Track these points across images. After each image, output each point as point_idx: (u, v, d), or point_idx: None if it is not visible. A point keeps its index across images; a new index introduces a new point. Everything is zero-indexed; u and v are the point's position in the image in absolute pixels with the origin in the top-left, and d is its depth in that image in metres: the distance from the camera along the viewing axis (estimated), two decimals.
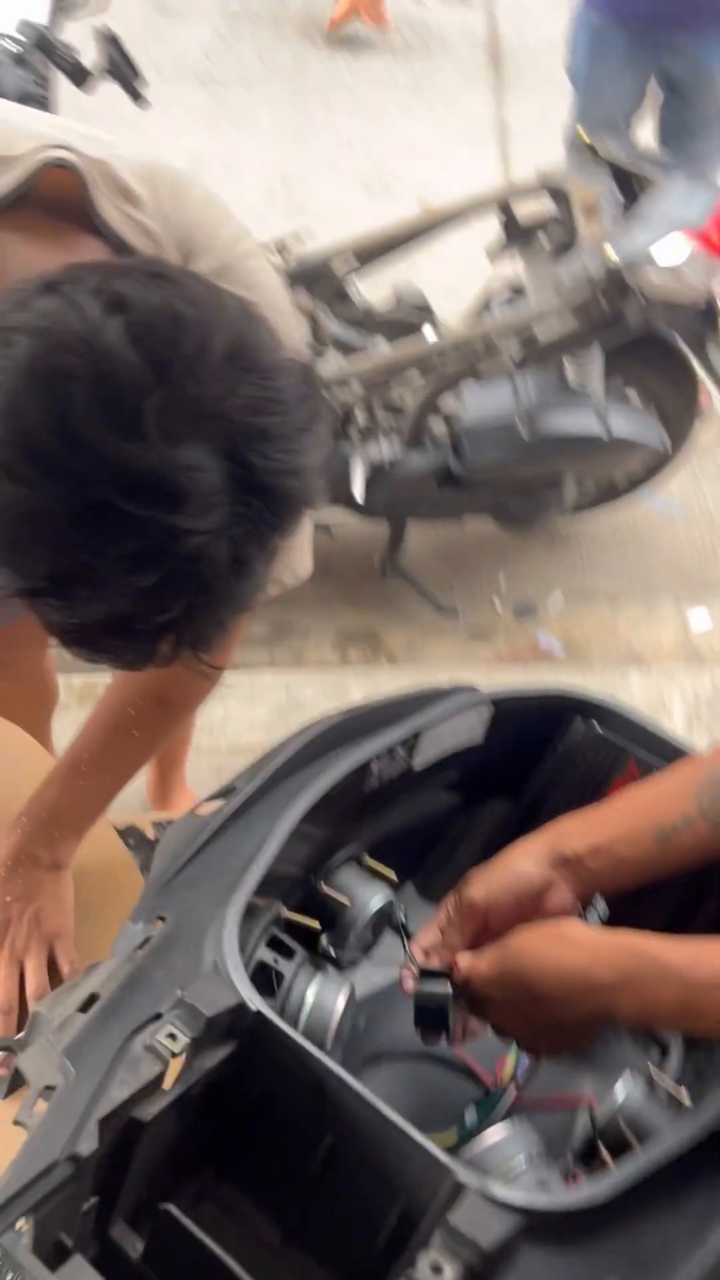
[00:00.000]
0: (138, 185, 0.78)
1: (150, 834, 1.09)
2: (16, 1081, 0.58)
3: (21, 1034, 0.85)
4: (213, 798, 0.80)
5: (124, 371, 0.55)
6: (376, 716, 0.93)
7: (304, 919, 0.79)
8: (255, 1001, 0.61)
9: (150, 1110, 0.54)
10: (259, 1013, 0.60)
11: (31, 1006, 0.93)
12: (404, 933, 0.91)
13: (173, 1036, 0.57)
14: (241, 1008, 0.60)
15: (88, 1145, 0.51)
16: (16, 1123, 0.54)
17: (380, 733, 0.89)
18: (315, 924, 0.83)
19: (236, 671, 2.40)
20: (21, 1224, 0.48)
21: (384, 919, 0.91)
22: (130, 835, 1.08)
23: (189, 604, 0.61)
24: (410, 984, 0.81)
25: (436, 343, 2.09)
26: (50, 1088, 0.55)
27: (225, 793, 0.81)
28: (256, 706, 2.23)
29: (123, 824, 1.09)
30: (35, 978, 0.94)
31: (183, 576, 0.59)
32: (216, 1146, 0.63)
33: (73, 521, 0.57)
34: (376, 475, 2.20)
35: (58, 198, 0.75)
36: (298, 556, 1.03)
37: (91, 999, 0.60)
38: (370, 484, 2.19)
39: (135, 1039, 0.56)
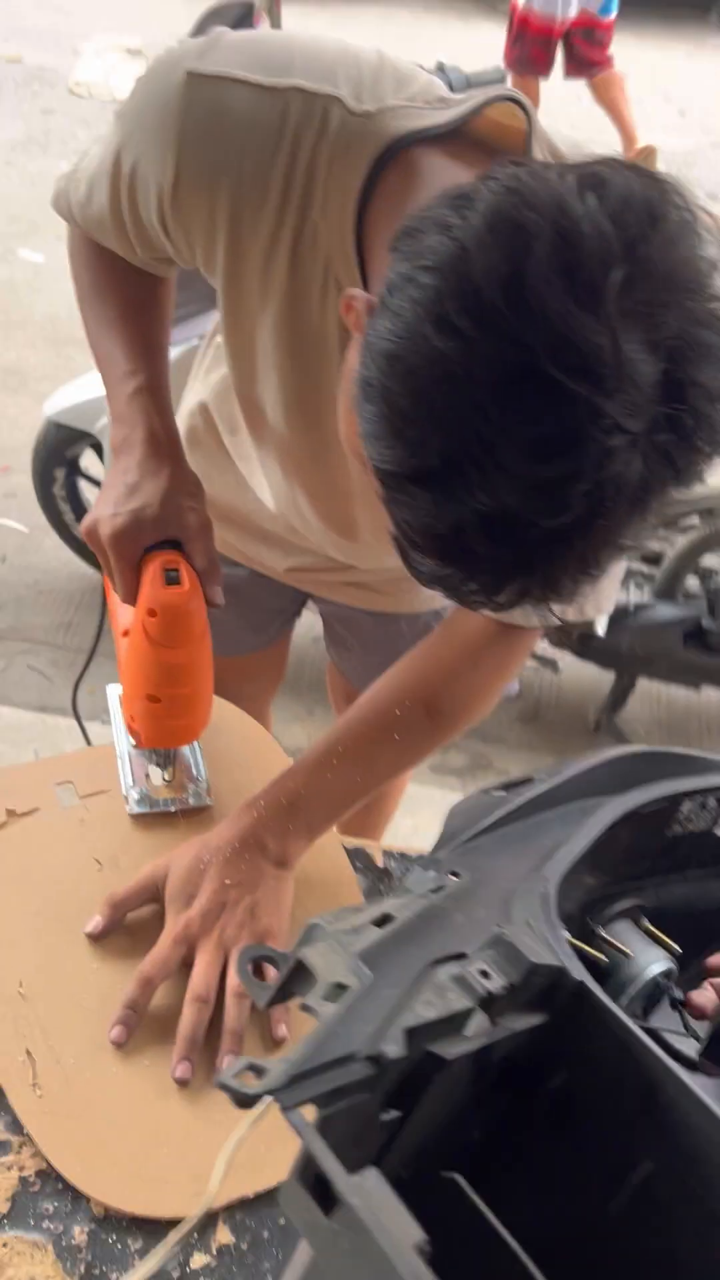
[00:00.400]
0: (563, 146, 0.76)
1: (379, 861, 0.97)
2: (283, 993, 0.46)
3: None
4: (502, 787, 0.70)
5: (592, 239, 0.51)
6: (697, 764, 0.80)
7: (590, 950, 0.66)
8: (579, 971, 0.48)
9: (452, 1050, 0.41)
10: (582, 984, 0.47)
11: (229, 1001, 0.81)
12: (681, 1010, 0.74)
13: (486, 975, 0.45)
14: (563, 975, 0.47)
15: (393, 1048, 0.38)
16: (305, 1008, 0.42)
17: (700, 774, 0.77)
18: (619, 953, 0.70)
19: (429, 785, 2.27)
20: (308, 1112, 0.36)
21: (658, 990, 0.76)
22: (358, 857, 0.97)
23: (578, 518, 0.53)
24: None
25: None
26: (342, 986, 0.43)
27: (518, 783, 0.71)
28: None
29: (351, 844, 0.97)
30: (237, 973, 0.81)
31: (585, 477, 0.52)
32: (493, 1150, 0.49)
33: (494, 389, 0.52)
34: (619, 618, 2.10)
35: (488, 137, 0.74)
36: (605, 592, 0.94)
37: (385, 918, 0.49)
38: (610, 625, 2.09)
39: (438, 969, 0.44)
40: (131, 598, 0.85)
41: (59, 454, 2.48)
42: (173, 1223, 0.70)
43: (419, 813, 2.11)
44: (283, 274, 0.78)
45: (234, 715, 1.06)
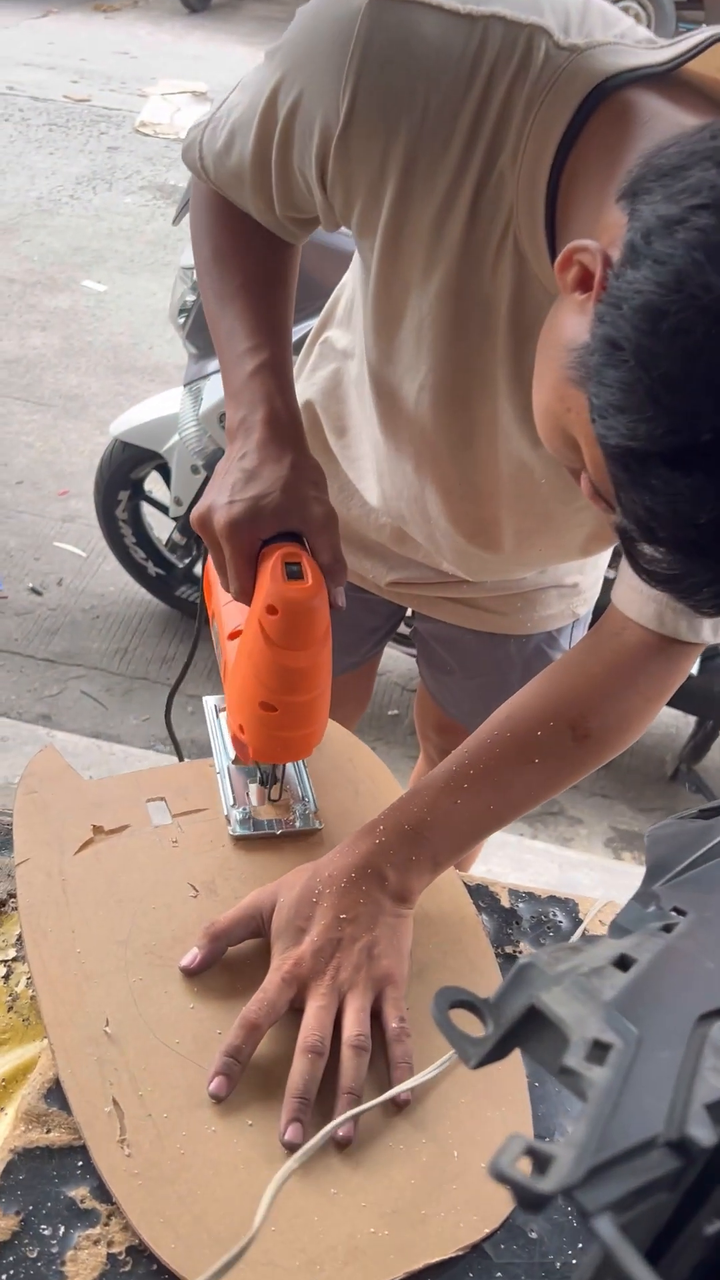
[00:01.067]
0: None
1: (505, 901, 0.86)
2: (502, 1049, 0.36)
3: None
4: (700, 814, 0.60)
5: None
6: None
7: None
8: None
9: None
10: None
11: (346, 1055, 0.70)
12: None
13: None
14: None
15: (703, 1132, 0.28)
16: (563, 1072, 0.32)
17: None
18: None
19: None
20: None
21: None
22: (481, 896, 0.86)
23: None
24: None
25: None
26: (602, 1044, 0.33)
27: (715, 809, 0.61)
28: (523, 871, 1.96)
29: (473, 881, 0.87)
30: (355, 1023, 0.70)
31: None
32: None
33: None
34: (710, 656, 1.99)
35: (706, 82, 0.65)
36: None
37: (625, 960, 0.39)
38: (702, 665, 1.97)
39: (712, 1026, 0.34)
40: (246, 595, 0.75)
41: (123, 475, 2.41)
42: None
43: (491, 859, 1.99)
44: (456, 232, 0.69)
45: (339, 734, 0.96)
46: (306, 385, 1.07)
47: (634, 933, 0.43)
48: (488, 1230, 0.64)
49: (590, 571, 1.15)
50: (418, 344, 0.78)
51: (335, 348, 1.05)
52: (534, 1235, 0.65)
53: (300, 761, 0.91)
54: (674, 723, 2.35)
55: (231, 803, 0.85)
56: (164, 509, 2.45)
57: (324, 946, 0.73)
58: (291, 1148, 0.65)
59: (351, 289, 0.99)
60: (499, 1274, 0.63)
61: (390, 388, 0.85)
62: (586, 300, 0.55)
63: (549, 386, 0.59)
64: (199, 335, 2.08)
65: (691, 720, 2.23)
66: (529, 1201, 0.28)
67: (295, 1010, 0.72)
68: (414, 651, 2.34)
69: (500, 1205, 0.65)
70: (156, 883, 0.79)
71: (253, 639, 0.74)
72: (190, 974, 0.74)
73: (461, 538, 0.94)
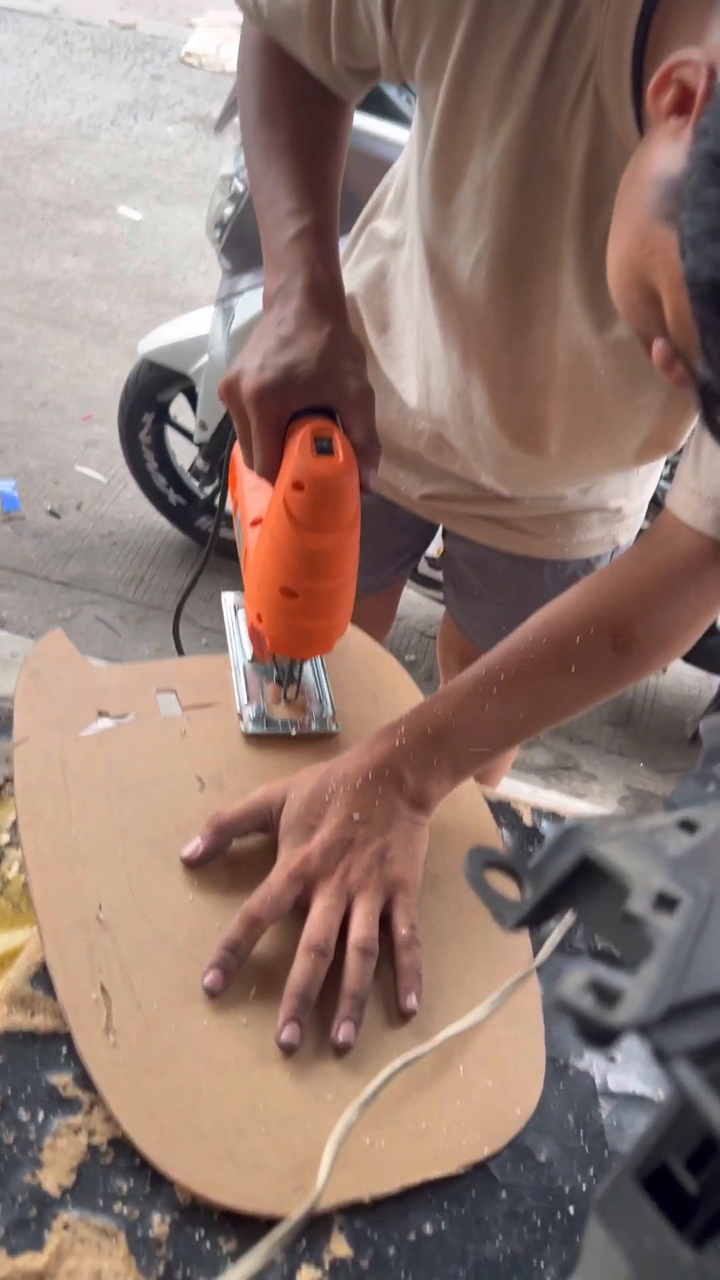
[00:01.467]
0: None
1: (527, 818, 0.81)
2: (546, 909, 0.32)
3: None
4: None
5: None
6: None
7: None
8: None
9: None
10: None
11: (352, 957, 0.66)
12: None
13: None
14: None
15: None
16: (627, 919, 0.28)
17: None
18: None
19: (515, 780, 2.11)
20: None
21: None
22: (502, 813, 0.81)
23: None
24: None
25: None
26: (668, 899, 0.28)
27: None
28: None
29: (494, 797, 0.82)
30: (363, 925, 0.66)
31: None
32: None
33: None
34: None
35: None
36: None
37: (689, 824, 0.34)
38: None
39: None
40: (270, 471, 0.70)
41: (149, 397, 2.35)
42: (272, 1221, 0.55)
43: None
44: (530, 80, 0.63)
45: (363, 641, 0.91)
46: (350, 278, 1.01)
47: (698, 806, 0.38)
48: (490, 1150, 0.60)
49: (636, 496, 1.09)
50: (477, 209, 0.72)
51: (382, 238, 0.99)
52: (543, 1158, 0.61)
53: (320, 663, 0.86)
54: (696, 684, 2.29)
55: (245, 700, 0.81)
56: (189, 435, 2.39)
57: (334, 846, 0.69)
58: (287, 1049, 0.62)
59: (404, 173, 0.93)
60: (503, 1194, 0.59)
61: (443, 263, 0.79)
62: (684, 124, 0.49)
63: (629, 232, 0.53)
64: (235, 249, 2.01)
65: (716, 681, 2.17)
66: (597, 1035, 0.23)
67: (300, 910, 0.67)
68: (435, 594, 2.29)
69: (505, 1126, 0.61)
70: (161, 773, 0.75)
71: (276, 519, 0.69)
72: (191, 865, 0.69)
73: (505, 439, 0.88)
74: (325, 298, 0.72)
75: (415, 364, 0.96)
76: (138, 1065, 0.59)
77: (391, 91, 1.97)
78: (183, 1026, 0.62)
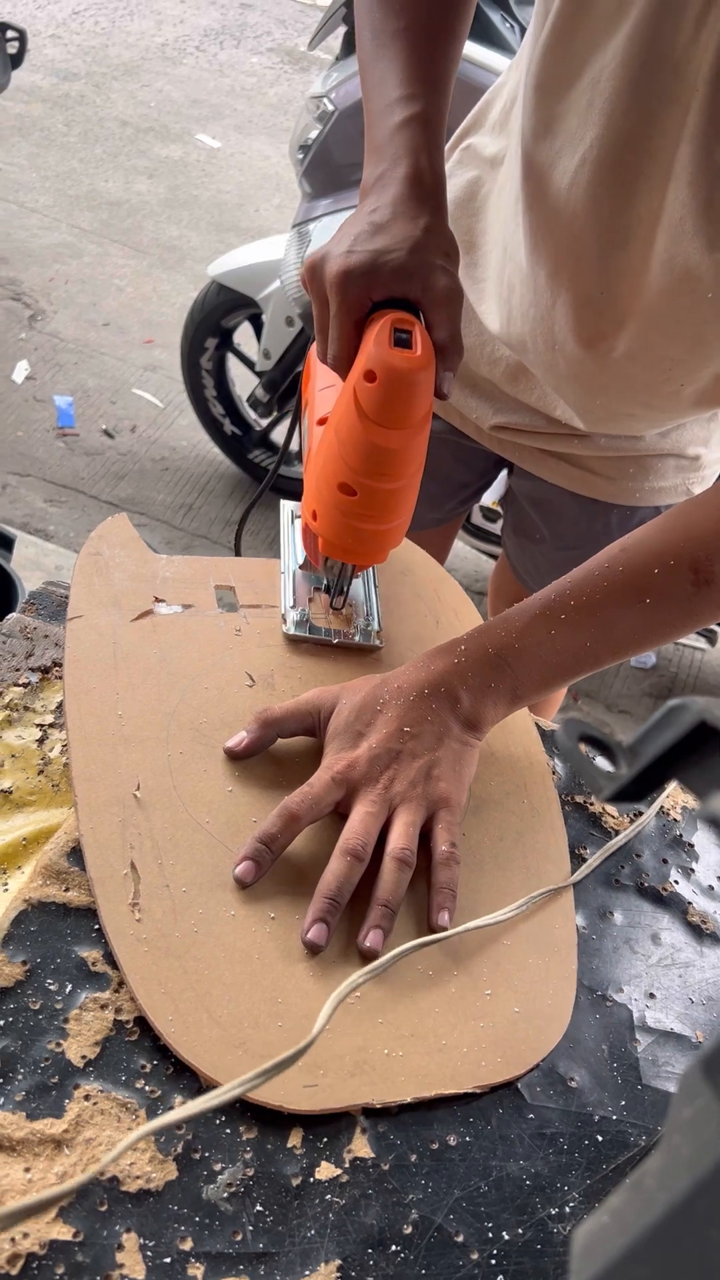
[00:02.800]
0: None
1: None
2: (649, 780, 0.30)
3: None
4: None
5: None
6: None
7: None
8: None
9: None
10: None
11: (387, 866, 0.64)
12: None
13: None
14: None
15: None
16: None
17: None
18: None
19: None
20: None
21: None
22: (555, 742, 0.79)
23: None
24: None
25: None
26: None
27: None
28: None
29: (549, 726, 0.80)
30: (402, 836, 0.64)
31: None
32: None
33: None
34: None
35: None
36: None
37: None
38: None
39: None
40: (344, 362, 0.67)
41: (215, 321, 2.32)
42: (291, 1117, 0.54)
43: None
44: None
45: (427, 563, 0.89)
46: None
47: None
48: (511, 1075, 0.58)
49: (716, 446, 1.05)
50: (587, 107, 0.68)
51: (480, 155, 0.95)
52: (574, 1084, 0.59)
53: (371, 579, 0.83)
54: None
55: (291, 604, 0.79)
56: (250, 364, 2.36)
57: (381, 755, 0.67)
58: (312, 948, 0.60)
59: (512, 87, 0.89)
60: (530, 1115, 0.57)
61: (542, 170, 0.75)
62: None
63: None
64: (316, 173, 1.97)
65: None
66: None
67: (339, 816, 0.66)
68: (486, 546, 2.26)
69: (528, 1053, 0.59)
70: (213, 665, 0.73)
71: (344, 410, 0.66)
72: (234, 757, 0.68)
73: (590, 365, 0.84)
74: (425, 189, 0.69)
75: (499, 286, 0.92)
76: (160, 943, 0.58)
77: (495, 17, 1.91)
78: (209, 913, 0.61)
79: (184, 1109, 0.48)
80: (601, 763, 0.35)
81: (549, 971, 0.64)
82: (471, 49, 1.79)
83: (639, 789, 0.32)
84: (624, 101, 0.67)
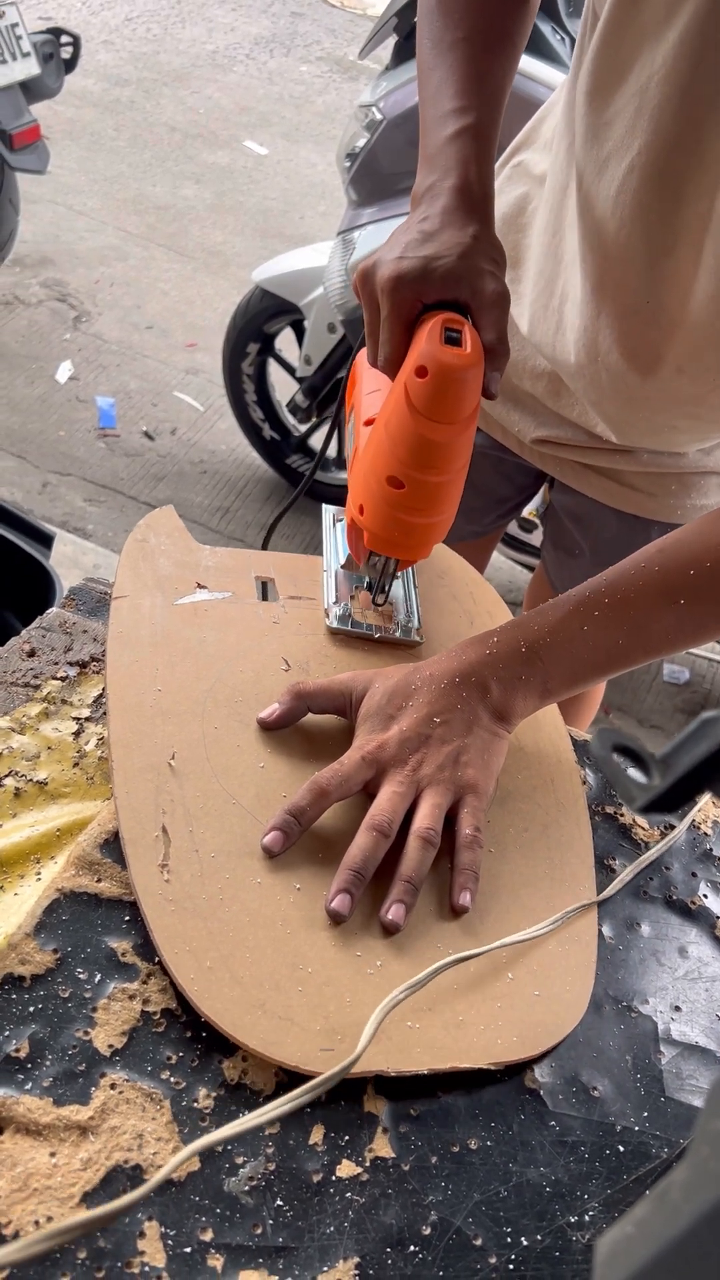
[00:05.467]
0: None
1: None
2: (684, 789, 0.30)
3: None
4: None
5: None
6: None
7: None
8: None
9: None
10: None
11: (412, 844, 0.64)
12: None
13: None
14: None
15: None
16: None
17: None
18: None
19: None
20: None
21: None
22: (588, 753, 0.79)
23: None
24: None
25: None
26: None
27: None
28: None
29: (578, 735, 0.80)
30: (427, 816, 0.65)
31: None
32: None
33: None
34: None
35: None
36: None
37: None
38: None
39: None
40: (394, 364, 0.69)
41: (257, 326, 2.34)
42: (315, 1115, 0.54)
43: None
44: None
45: (463, 567, 0.89)
46: None
47: None
48: (527, 1055, 0.58)
49: None
50: (637, 113, 0.68)
51: (530, 172, 0.95)
52: (597, 1093, 0.59)
53: (411, 580, 0.84)
54: None
55: (334, 600, 0.80)
56: (291, 370, 2.38)
57: (411, 739, 0.68)
58: (335, 917, 0.61)
59: (565, 103, 0.90)
60: (552, 1123, 0.57)
61: (591, 177, 0.75)
62: None
63: None
64: (363, 181, 1.98)
65: None
66: None
67: (368, 795, 0.67)
68: (522, 557, 2.25)
69: (544, 1036, 0.60)
70: (250, 649, 0.75)
71: (394, 406, 0.68)
72: (266, 728, 0.70)
73: (633, 379, 0.85)
74: (474, 200, 0.70)
75: (541, 301, 0.93)
76: (187, 904, 0.60)
77: (546, 29, 1.92)
78: (236, 879, 0.62)
79: (236, 1125, 0.49)
80: (634, 774, 0.35)
81: (569, 959, 0.64)
82: (522, 61, 1.80)
83: (671, 800, 0.32)
84: (673, 107, 0.67)
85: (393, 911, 0.62)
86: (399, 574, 0.83)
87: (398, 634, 0.79)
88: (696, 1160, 0.26)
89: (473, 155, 0.71)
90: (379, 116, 1.94)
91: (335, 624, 0.78)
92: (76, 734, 0.71)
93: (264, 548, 1.05)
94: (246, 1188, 0.51)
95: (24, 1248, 0.44)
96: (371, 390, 0.78)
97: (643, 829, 0.75)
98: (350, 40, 5.23)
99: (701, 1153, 0.26)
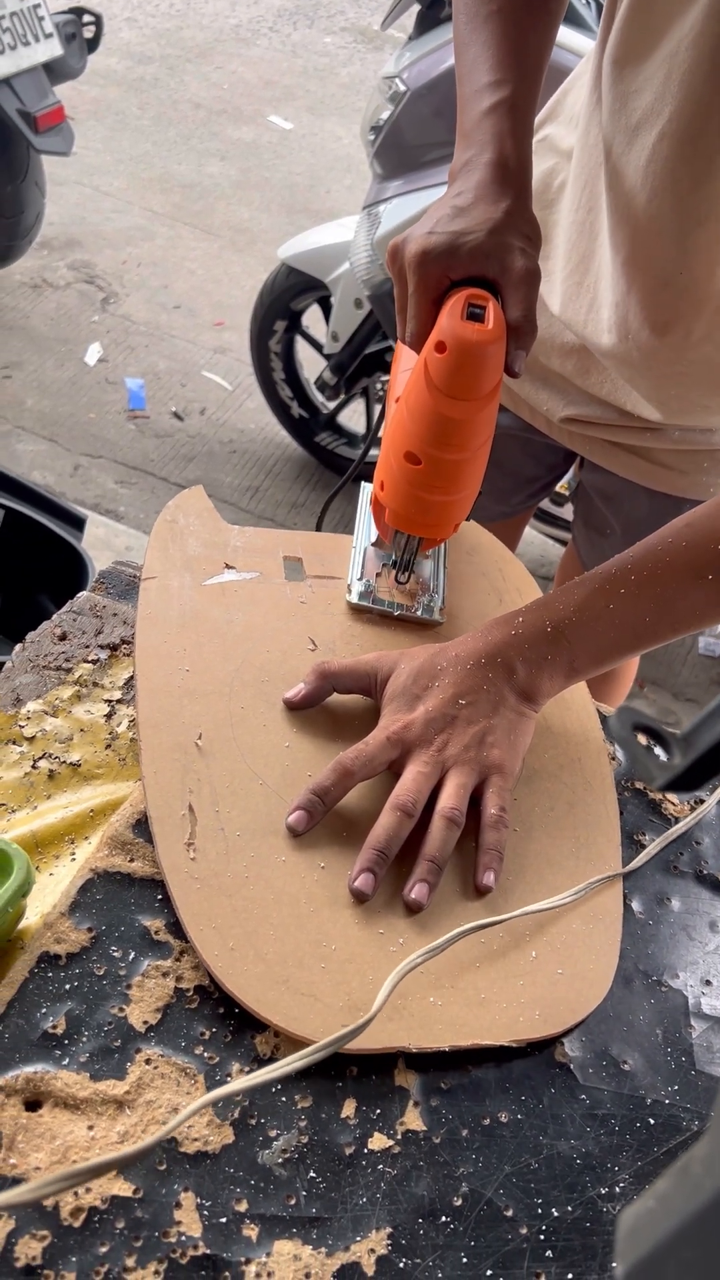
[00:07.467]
0: None
1: (640, 738, 0.79)
2: (698, 773, 0.30)
3: None
4: None
5: None
6: None
7: None
8: None
9: None
10: None
11: (436, 824, 0.64)
12: None
13: None
14: None
15: None
16: None
17: None
18: None
19: None
20: None
21: None
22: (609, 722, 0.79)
23: None
24: None
25: None
26: None
27: None
28: None
29: (606, 710, 0.80)
30: (452, 796, 0.65)
31: None
32: None
33: None
34: None
35: None
36: None
37: None
38: None
39: None
40: (421, 339, 0.68)
41: (284, 304, 2.33)
42: (346, 1090, 0.55)
43: None
44: None
45: (493, 544, 0.89)
46: None
47: None
48: (549, 1032, 0.59)
49: None
50: (667, 78, 0.67)
51: (556, 146, 0.94)
52: (627, 1067, 0.59)
53: (441, 557, 0.84)
54: None
55: (358, 576, 0.80)
56: (319, 347, 2.37)
57: (437, 719, 0.68)
58: (359, 896, 0.62)
59: (591, 74, 0.88)
60: (583, 1096, 0.58)
61: (620, 147, 0.74)
62: None
63: None
64: (388, 154, 1.96)
65: None
66: None
67: (393, 775, 0.67)
68: (554, 532, 2.24)
69: (566, 1013, 0.60)
70: (277, 629, 0.75)
71: (414, 381, 0.67)
72: (292, 708, 0.70)
73: (664, 353, 0.84)
74: (509, 174, 0.70)
75: (569, 277, 0.92)
76: (213, 882, 0.61)
77: None
78: (261, 857, 0.62)
79: (246, 1079, 0.50)
80: (659, 752, 0.35)
81: (593, 937, 0.64)
82: None
83: (692, 779, 0.32)
84: (704, 70, 0.66)
85: (416, 890, 0.62)
86: (428, 553, 0.83)
87: (419, 612, 0.79)
88: (717, 1135, 0.27)
89: (509, 129, 0.71)
90: (403, 88, 1.92)
91: (356, 599, 0.79)
92: (108, 716, 0.72)
93: (318, 528, 1.06)
94: (280, 1160, 0.52)
95: (34, 1189, 0.45)
96: (406, 368, 0.78)
97: (673, 804, 0.75)
98: (374, 9, 5.16)
99: None
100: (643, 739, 0.36)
